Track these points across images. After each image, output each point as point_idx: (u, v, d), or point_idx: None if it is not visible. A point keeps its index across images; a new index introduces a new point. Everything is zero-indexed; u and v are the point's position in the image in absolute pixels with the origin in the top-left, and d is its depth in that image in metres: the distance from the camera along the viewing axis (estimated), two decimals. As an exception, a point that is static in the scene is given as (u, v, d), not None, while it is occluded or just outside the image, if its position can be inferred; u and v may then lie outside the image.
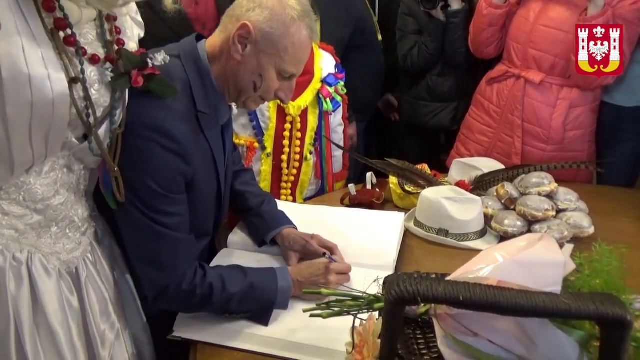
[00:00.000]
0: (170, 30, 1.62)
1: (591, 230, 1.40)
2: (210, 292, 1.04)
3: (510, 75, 1.84)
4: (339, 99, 1.71)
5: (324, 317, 0.86)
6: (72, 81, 0.80)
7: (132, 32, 0.99)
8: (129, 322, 1.06)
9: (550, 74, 1.76)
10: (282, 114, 1.60)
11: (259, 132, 1.61)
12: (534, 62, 1.78)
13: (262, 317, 1.07)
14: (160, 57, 0.96)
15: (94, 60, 0.86)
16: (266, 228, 1.32)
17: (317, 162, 1.74)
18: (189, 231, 1.07)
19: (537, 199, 1.42)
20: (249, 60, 1.04)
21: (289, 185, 1.69)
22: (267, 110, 1.59)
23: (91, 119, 0.85)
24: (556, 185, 1.48)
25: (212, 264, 1.26)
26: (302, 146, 1.65)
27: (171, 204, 1.01)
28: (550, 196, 1.46)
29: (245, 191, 1.39)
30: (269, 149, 1.62)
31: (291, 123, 1.61)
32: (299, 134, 1.63)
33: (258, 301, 1.08)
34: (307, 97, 1.63)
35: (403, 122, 2.42)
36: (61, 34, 0.80)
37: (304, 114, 1.63)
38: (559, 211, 1.45)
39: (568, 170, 1.66)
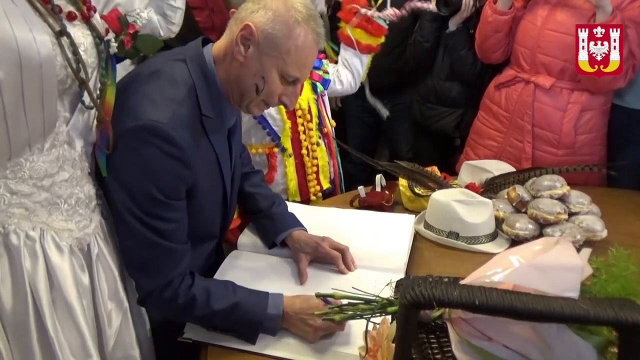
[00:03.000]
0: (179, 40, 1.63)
1: (604, 233, 1.39)
2: (193, 304, 1.02)
3: (519, 80, 1.83)
4: (327, 76, 1.74)
5: (337, 321, 0.86)
6: (59, 35, 0.82)
7: None
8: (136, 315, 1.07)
9: (560, 79, 1.74)
10: (292, 111, 1.63)
11: (274, 137, 1.62)
12: (543, 67, 1.77)
13: (248, 337, 1.04)
14: (144, 14, 0.98)
15: (70, 17, 0.87)
16: (276, 230, 1.31)
17: (328, 143, 1.77)
18: (184, 239, 1.05)
19: (549, 202, 1.41)
20: (251, 62, 1.03)
21: (314, 176, 1.72)
22: (278, 113, 1.60)
23: (82, 73, 0.86)
24: (568, 188, 1.46)
25: (222, 266, 1.26)
26: (313, 135, 1.68)
27: (169, 210, 1.00)
28: (562, 199, 1.44)
29: (255, 193, 1.39)
30: (290, 150, 1.64)
31: (301, 117, 1.64)
32: (310, 125, 1.66)
33: (242, 322, 1.04)
34: (307, 88, 1.67)
35: (412, 122, 2.41)
36: None
37: (308, 104, 1.66)
38: (571, 214, 1.43)
39: (580, 174, 1.64)
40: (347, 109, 2.60)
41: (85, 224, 0.95)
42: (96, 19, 0.93)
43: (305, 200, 1.72)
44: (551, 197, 1.43)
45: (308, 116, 1.65)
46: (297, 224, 1.33)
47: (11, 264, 0.85)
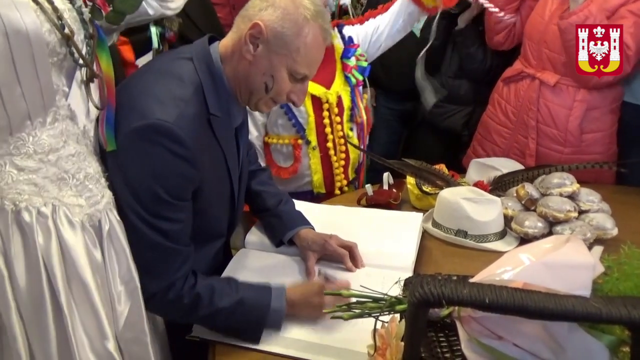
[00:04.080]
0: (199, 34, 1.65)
1: (614, 231, 1.38)
2: (197, 303, 1.02)
3: (525, 76, 1.82)
4: (363, 64, 1.73)
5: (345, 319, 0.85)
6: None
7: None
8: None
9: (565, 75, 1.73)
10: (317, 104, 1.63)
11: (299, 128, 1.63)
12: (549, 63, 1.75)
13: (252, 334, 1.04)
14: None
15: None
16: (283, 228, 1.31)
17: (360, 134, 1.77)
18: (187, 242, 1.05)
19: (558, 200, 1.40)
20: (260, 61, 1.03)
21: (341, 170, 1.73)
22: (303, 106, 1.61)
23: (66, 30, 0.85)
24: (578, 185, 1.45)
25: (230, 264, 1.26)
26: (342, 129, 1.68)
27: (174, 211, 1.00)
28: (572, 197, 1.43)
29: (263, 191, 1.39)
30: (314, 142, 1.65)
31: (328, 110, 1.64)
32: (337, 118, 1.67)
33: (246, 318, 1.04)
34: (338, 81, 1.67)
35: (420, 120, 2.40)
36: None
37: (338, 97, 1.67)
38: (581, 212, 1.42)
39: (590, 171, 1.63)
40: (376, 111, 2.60)
41: (96, 199, 0.93)
42: None
43: (330, 192, 1.74)
44: (561, 194, 1.42)
45: (336, 110, 1.65)
46: (304, 222, 1.33)
47: (24, 241, 0.84)
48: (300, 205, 1.42)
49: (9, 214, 0.84)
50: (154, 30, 1.72)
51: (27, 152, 0.85)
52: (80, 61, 0.89)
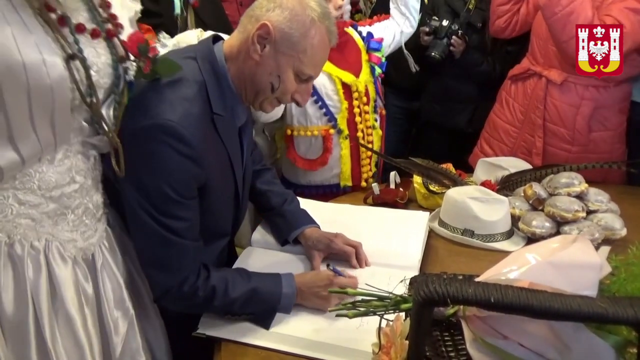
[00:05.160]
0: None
1: (623, 232, 1.36)
2: (213, 295, 1.04)
3: (532, 74, 1.81)
4: (383, 59, 1.77)
5: (350, 317, 0.85)
6: (70, 58, 0.81)
7: (121, 8, 0.98)
8: (144, 320, 1.07)
9: (572, 73, 1.71)
10: (348, 92, 1.65)
11: (331, 117, 1.65)
12: (556, 60, 1.74)
13: (265, 320, 1.07)
14: (169, 42, 0.96)
15: (94, 34, 0.86)
16: (289, 227, 1.31)
17: (381, 125, 1.80)
18: (196, 237, 1.06)
19: (566, 200, 1.39)
20: (267, 61, 1.03)
21: (367, 161, 1.75)
22: (335, 94, 1.63)
23: (94, 99, 0.85)
24: (586, 185, 1.44)
25: (237, 263, 1.27)
26: (369, 119, 1.71)
27: (182, 209, 1.01)
28: (580, 197, 1.42)
29: (268, 190, 1.39)
30: (346, 131, 1.67)
31: (357, 99, 1.66)
32: (366, 108, 1.68)
33: (260, 305, 1.08)
34: (365, 71, 1.69)
35: (423, 120, 2.39)
36: (52, 15, 0.80)
37: (365, 86, 1.69)
38: (589, 212, 1.41)
39: (598, 171, 1.61)
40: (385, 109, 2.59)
41: (90, 234, 0.95)
42: (120, 38, 0.92)
43: (356, 186, 1.75)
44: (569, 194, 1.41)
45: (364, 99, 1.67)
46: (309, 221, 1.33)
47: (15, 273, 0.85)
48: (306, 204, 1.42)
49: (2, 245, 0.84)
50: None
51: (32, 187, 0.85)
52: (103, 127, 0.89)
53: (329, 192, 1.76)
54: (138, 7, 1.04)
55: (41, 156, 0.85)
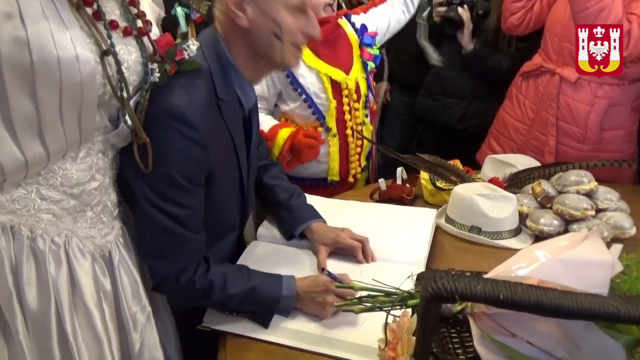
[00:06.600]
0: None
1: (633, 231, 1.35)
2: (210, 289, 1.04)
3: (545, 71, 1.78)
4: (376, 52, 1.75)
5: (356, 312, 0.85)
6: (104, 54, 0.82)
7: (148, 9, 0.99)
8: (156, 316, 1.07)
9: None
10: (337, 90, 1.63)
11: (319, 116, 1.64)
12: (570, 58, 1.71)
13: (263, 319, 1.06)
14: (194, 47, 0.98)
15: (126, 32, 0.87)
16: (295, 222, 1.31)
17: (371, 121, 1.79)
18: (198, 229, 1.06)
19: (575, 198, 1.37)
20: (256, 19, 1.02)
21: (356, 157, 1.74)
22: (323, 92, 1.62)
23: (124, 93, 0.87)
24: (596, 183, 1.42)
25: (242, 257, 1.26)
26: (359, 115, 1.70)
27: (186, 196, 1.01)
28: (589, 195, 1.40)
29: (274, 185, 1.38)
30: (334, 129, 1.66)
31: (347, 96, 1.65)
32: (356, 105, 1.67)
33: (258, 305, 1.07)
34: (357, 67, 1.68)
35: (417, 115, 2.37)
36: (89, 10, 0.81)
37: (356, 83, 1.67)
38: (598, 211, 1.39)
39: (608, 170, 1.60)
40: (390, 106, 2.57)
41: (107, 231, 0.96)
42: (151, 36, 0.93)
43: (343, 180, 1.74)
44: (578, 192, 1.39)
45: (355, 96, 1.66)
46: (316, 216, 1.32)
47: (37, 267, 0.86)
48: (312, 200, 1.41)
49: (25, 239, 0.85)
50: (179, 11, 1.72)
51: (54, 184, 0.87)
52: (131, 125, 0.90)
53: (315, 185, 1.75)
54: (162, 12, 1.05)
55: (65, 153, 0.86)
